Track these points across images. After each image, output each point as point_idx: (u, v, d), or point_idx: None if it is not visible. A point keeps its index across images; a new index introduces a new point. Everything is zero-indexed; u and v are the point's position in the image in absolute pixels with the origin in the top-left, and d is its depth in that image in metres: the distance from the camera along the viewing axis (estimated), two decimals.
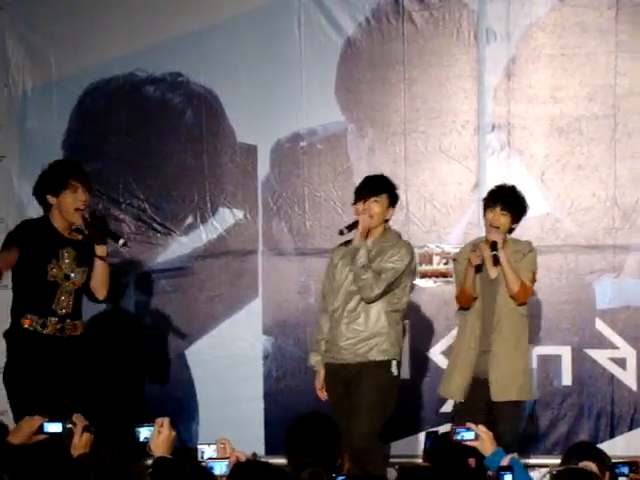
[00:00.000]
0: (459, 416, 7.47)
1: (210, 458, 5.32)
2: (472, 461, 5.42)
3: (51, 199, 7.42)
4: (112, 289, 8.72)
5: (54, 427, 5.58)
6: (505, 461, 5.24)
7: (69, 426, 5.61)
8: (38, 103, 8.99)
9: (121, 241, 7.55)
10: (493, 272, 7.74)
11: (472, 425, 5.56)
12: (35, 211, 8.80)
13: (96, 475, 5.06)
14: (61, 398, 7.24)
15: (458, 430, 5.53)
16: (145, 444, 5.45)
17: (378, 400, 7.51)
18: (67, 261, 7.39)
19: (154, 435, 5.44)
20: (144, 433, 5.48)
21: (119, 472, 5.25)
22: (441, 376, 8.08)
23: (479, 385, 7.72)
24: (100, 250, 7.39)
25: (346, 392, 7.58)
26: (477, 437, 5.50)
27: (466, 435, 5.50)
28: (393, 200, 7.59)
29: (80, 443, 5.57)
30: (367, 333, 7.54)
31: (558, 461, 5.74)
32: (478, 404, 7.69)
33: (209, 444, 5.48)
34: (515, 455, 5.54)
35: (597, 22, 8.62)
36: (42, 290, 7.38)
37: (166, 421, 5.46)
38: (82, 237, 7.40)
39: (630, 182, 8.62)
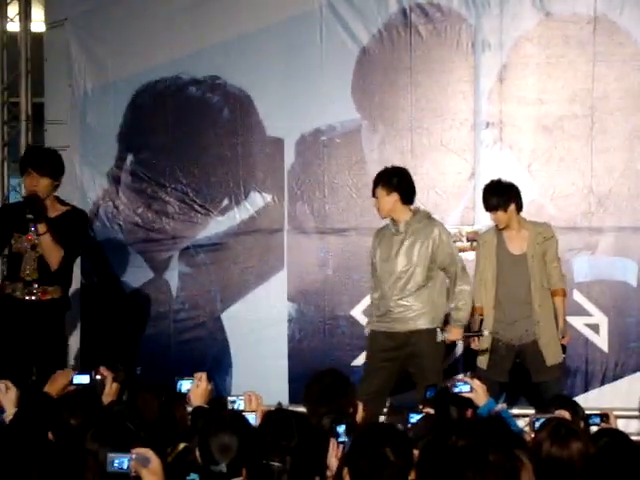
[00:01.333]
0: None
1: (241, 411, 5.15)
2: (469, 412, 5.43)
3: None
4: (156, 263, 8.89)
5: (82, 379, 5.56)
6: (496, 410, 5.23)
7: (98, 377, 5.59)
8: (97, 102, 8.95)
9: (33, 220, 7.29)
10: (516, 249, 7.74)
11: (468, 379, 5.61)
12: (94, 193, 8.98)
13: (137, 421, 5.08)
14: (27, 355, 7.27)
15: (457, 384, 5.57)
16: (185, 395, 5.48)
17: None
18: (33, 234, 7.30)
19: (193, 387, 5.47)
20: (185, 385, 5.50)
21: (165, 417, 5.28)
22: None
23: (508, 351, 7.72)
24: (40, 228, 7.23)
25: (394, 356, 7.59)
26: (472, 389, 5.51)
27: (463, 388, 5.53)
28: (390, 188, 7.58)
29: (110, 391, 5.57)
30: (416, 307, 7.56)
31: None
32: (503, 367, 7.71)
33: (238, 396, 5.41)
34: (504, 405, 5.56)
35: (578, 35, 8.58)
36: (11, 260, 7.39)
37: (204, 375, 5.50)
38: (30, 216, 7.24)
39: (604, 173, 8.57)
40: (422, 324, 7.56)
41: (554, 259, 7.81)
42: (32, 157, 7.47)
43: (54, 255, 7.24)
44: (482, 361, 7.79)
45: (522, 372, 7.91)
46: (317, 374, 5.54)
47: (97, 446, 4.04)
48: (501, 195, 7.75)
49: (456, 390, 5.55)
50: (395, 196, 7.59)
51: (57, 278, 7.36)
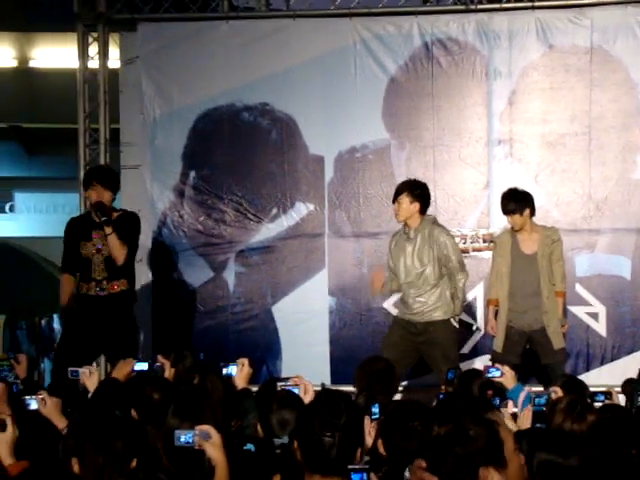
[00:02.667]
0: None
1: (289, 385, 5.10)
2: (490, 392, 5.38)
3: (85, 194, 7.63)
4: (215, 264, 8.92)
5: (142, 366, 5.52)
6: (522, 395, 5.11)
7: (158, 364, 5.58)
8: (164, 126, 8.97)
9: (105, 222, 7.35)
10: (528, 249, 7.70)
11: (499, 365, 5.55)
12: (162, 205, 8.91)
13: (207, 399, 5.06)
14: (103, 342, 7.32)
15: (489, 369, 5.53)
16: (230, 377, 5.41)
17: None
18: (97, 239, 7.39)
19: (238, 371, 5.40)
20: (230, 370, 5.44)
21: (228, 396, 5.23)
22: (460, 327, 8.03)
23: (520, 336, 7.69)
24: (107, 229, 7.31)
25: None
26: (502, 374, 5.45)
27: (495, 373, 5.48)
28: (414, 197, 7.52)
29: (169, 376, 5.56)
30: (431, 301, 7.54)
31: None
32: (516, 351, 7.68)
33: (285, 379, 5.27)
34: (531, 389, 5.47)
35: (577, 64, 8.55)
36: (82, 264, 7.42)
37: (246, 361, 5.43)
38: (102, 219, 7.32)
39: (601, 182, 8.53)
40: (438, 316, 7.54)
41: (559, 258, 7.78)
42: (97, 173, 7.55)
43: (120, 252, 7.30)
44: (498, 345, 7.77)
45: (532, 356, 7.87)
46: (369, 359, 5.51)
47: (178, 421, 4.05)
48: (518, 201, 7.70)
49: (489, 375, 5.49)
50: (417, 206, 7.55)
51: (123, 273, 7.41)
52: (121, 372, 5.50)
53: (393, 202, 7.61)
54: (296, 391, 4.92)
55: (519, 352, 7.73)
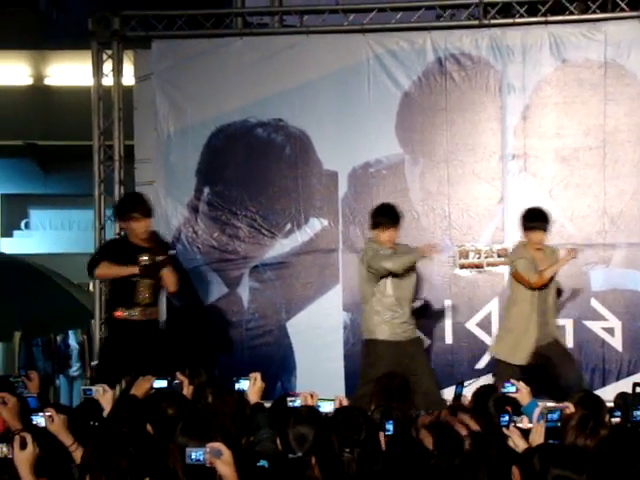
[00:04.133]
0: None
1: (320, 399, 5.15)
2: (509, 408, 5.29)
3: (122, 224, 7.60)
4: (229, 279, 8.94)
5: (161, 383, 5.56)
6: (537, 411, 5.03)
7: (176, 381, 5.59)
8: (178, 143, 9.00)
9: (171, 252, 7.54)
10: (542, 267, 7.70)
11: (515, 381, 5.50)
12: (176, 221, 8.92)
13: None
14: (147, 364, 7.14)
15: (505, 385, 5.48)
16: (243, 392, 5.44)
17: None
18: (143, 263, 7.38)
19: (250, 385, 5.43)
20: (243, 385, 5.49)
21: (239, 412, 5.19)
22: (474, 342, 8.03)
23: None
24: (163, 260, 7.40)
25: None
26: (517, 390, 5.41)
27: (510, 389, 5.44)
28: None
29: (187, 392, 5.56)
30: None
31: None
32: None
33: (296, 395, 5.33)
34: (545, 405, 5.42)
35: (590, 78, 8.55)
36: (124, 288, 7.40)
37: (258, 375, 5.47)
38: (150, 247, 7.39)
39: (616, 197, 8.53)
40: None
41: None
42: (138, 204, 7.49)
43: (174, 279, 7.45)
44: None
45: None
46: (386, 375, 5.55)
47: (186, 439, 4.05)
48: (544, 217, 7.74)
49: (504, 390, 5.45)
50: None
51: (158, 298, 7.53)
52: (140, 389, 5.51)
53: (390, 226, 7.61)
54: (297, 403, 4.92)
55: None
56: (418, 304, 8.25)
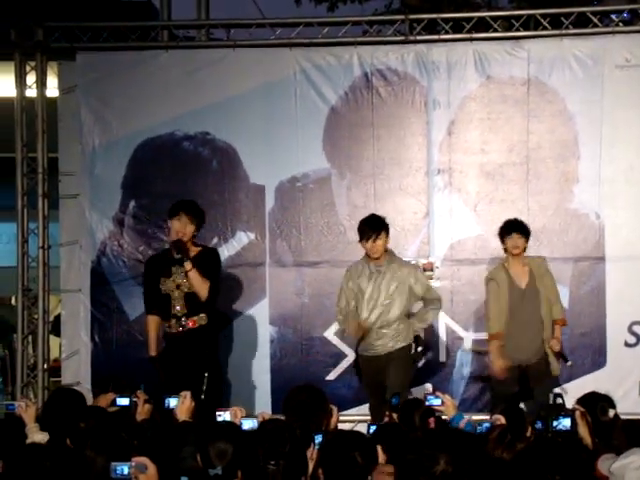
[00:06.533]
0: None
1: (242, 417, 5.13)
2: (432, 420, 5.36)
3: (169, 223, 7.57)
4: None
5: (123, 401, 5.56)
6: (462, 423, 5.15)
7: (134, 399, 5.56)
8: (103, 156, 8.92)
9: (186, 264, 7.38)
10: (523, 284, 7.79)
11: (439, 393, 5.50)
12: (102, 234, 8.81)
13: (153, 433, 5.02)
14: (187, 377, 7.15)
15: (428, 397, 5.46)
16: (172, 410, 5.43)
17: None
18: (176, 275, 7.40)
19: (179, 404, 5.40)
20: (172, 402, 5.45)
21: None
22: None
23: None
24: (186, 265, 7.36)
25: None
26: (443, 403, 5.39)
27: (434, 401, 5.41)
28: (388, 232, 7.70)
29: (142, 411, 5.56)
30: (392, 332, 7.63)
31: None
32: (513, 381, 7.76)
33: (224, 410, 5.30)
34: (470, 418, 5.45)
35: (514, 95, 8.64)
36: (161, 301, 7.42)
37: (188, 393, 5.43)
38: (178, 256, 7.37)
39: (538, 212, 8.62)
40: None
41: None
42: (185, 204, 7.51)
43: (203, 287, 7.32)
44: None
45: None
46: (294, 389, 5.48)
47: (94, 454, 4.05)
48: (520, 226, 7.82)
49: (428, 403, 5.44)
50: (387, 241, 7.70)
51: (203, 308, 7.40)
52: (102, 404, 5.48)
53: (367, 239, 7.56)
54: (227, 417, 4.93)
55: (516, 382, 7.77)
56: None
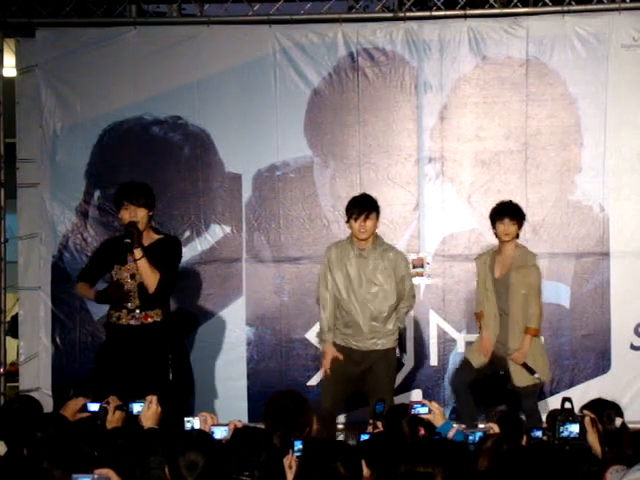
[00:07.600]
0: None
1: (213, 424, 5.04)
2: (421, 429, 5.27)
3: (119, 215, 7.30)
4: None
5: (94, 407, 5.46)
6: (451, 432, 5.09)
7: (104, 405, 5.46)
8: (66, 141, 8.75)
9: (136, 252, 7.01)
10: (497, 273, 7.60)
11: (426, 401, 5.44)
12: (64, 227, 8.89)
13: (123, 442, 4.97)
14: (134, 375, 6.93)
15: (415, 406, 5.36)
16: (137, 416, 5.29)
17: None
18: (132, 263, 7.07)
19: (144, 409, 5.26)
20: (136, 408, 5.32)
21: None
22: None
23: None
24: (136, 253, 6.99)
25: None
26: (430, 411, 5.33)
27: (421, 410, 5.33)
28: (378, 213, 7.46)
29: (113, 419, 5.42)
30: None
31: None
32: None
33: (193, 417, 5.22)
34: (461, 427, 5.40)
35: (511, 77, 8.54)
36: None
37: (154, 398, 5.31)
38: (127, 241, 7.02)
39: (538, 204, 8.50)
40: None
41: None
42: (127, 191, 7.19)
43: (151, 279, 7.00)
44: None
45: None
46: (276, 395, 5.41)
47: (50, 466, 3.98)
48: (512, 209, 7.59)
49: (414, 412, 5.36)
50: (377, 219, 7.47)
51: (158, 302, 7.09)
52: (69, 411, 5.44)
53: (355, 219, 7.34)
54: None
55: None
56: None
